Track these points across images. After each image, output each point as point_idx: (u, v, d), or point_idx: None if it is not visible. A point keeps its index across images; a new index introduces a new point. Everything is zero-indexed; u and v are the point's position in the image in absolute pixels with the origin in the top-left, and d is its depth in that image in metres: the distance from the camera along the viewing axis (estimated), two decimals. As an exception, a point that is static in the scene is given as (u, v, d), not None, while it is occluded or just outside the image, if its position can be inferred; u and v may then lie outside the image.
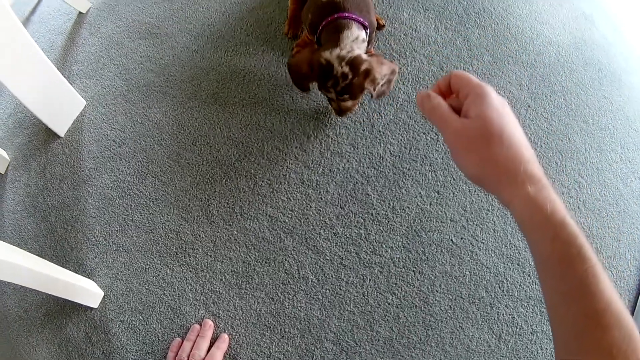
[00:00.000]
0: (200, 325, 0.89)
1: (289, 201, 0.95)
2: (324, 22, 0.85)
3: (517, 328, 0.87)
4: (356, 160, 0.98)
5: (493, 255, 0.91)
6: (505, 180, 0.39)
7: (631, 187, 0.99)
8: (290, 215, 0.94)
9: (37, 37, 1.26)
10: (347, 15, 0.83)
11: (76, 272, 0.92)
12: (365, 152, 0.98)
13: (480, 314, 0.87)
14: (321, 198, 0.95)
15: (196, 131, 1.02)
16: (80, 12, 1.20)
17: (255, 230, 0.94)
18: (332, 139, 0.99)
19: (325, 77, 0.81)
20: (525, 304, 0.88)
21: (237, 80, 1.05)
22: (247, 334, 0.89)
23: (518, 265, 0.90)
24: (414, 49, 1.05)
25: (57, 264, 0.85)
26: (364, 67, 0.80)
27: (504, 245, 0.91)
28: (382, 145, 0.99)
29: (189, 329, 0.89)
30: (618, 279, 0.92)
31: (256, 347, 0.88)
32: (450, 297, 0.88)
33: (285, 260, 0.92)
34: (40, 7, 1.30)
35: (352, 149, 0.98)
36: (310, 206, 0.95)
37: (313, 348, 0.87)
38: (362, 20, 0.84)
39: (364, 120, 1.00)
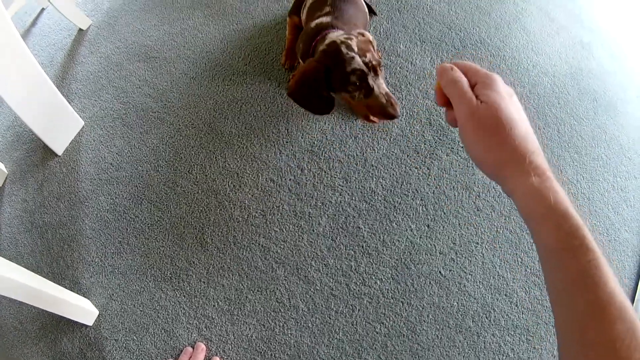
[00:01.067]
0: (193, 348, 0.92)
1: (282, 232, 0.98)
2: (313, 43, 0.85)
3: (503, 356, 0.90)
4: (348, 193, 1.00)
5: (481, 286, 0.94)
6: (510, 169, 0.39)
7: (622, 215, 1.02)
8: (282, 246, 0.97)
9: (37, 51, 1.27)
10: (335, 29, 0.85)
11: (71, 290, 0.95)
12: (357, 186, 1.01)
13: (467, 342, 0.90)
14: (313, 230, 0.98)
15: (192, 159, 1.04)
16: (80, 29, 1.21)
17: (248, 259, 0.97)
18: (325, 172, 1.02)
19: (340, 66, 0.78)
20: (512, 333, 0.91)
21: (234, 110, 1.06)
22: (238, 359, 0.92)
23: (506, 295, 0.93)
24: (409, 83, 1.07)
25: (52, 281, 0.87)
26: (365, 38, 0.80)
27: (492, 277, 0.95)
28: (375, 179, 1.01)
29: (181, 351, 0.92)
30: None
31: (246, 372, 0.91)
32: (438, 326, 0.91)
33: (277, 289, 0.95)
34: (41, 19, 1.30)
35: (344, 182, 1.01)
36: (302, 238, 0.98)
37: (302, 374, 0.90)
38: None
39: (357, 154, 1.03)
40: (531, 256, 0.97)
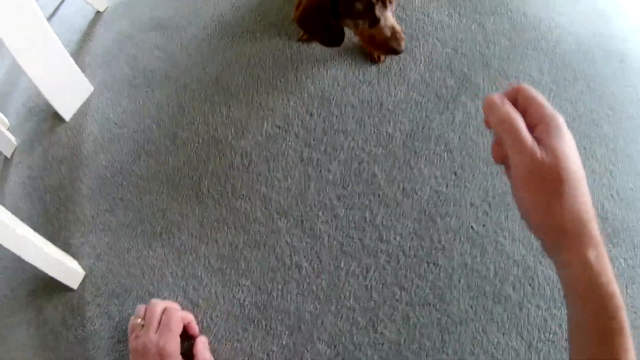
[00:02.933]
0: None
1: (286, 180, 0.89)
2: None
3: (550, 334, 0.73)
4: (362, 138, 0.91)
5: (521, 246, 0.79)
6: (570, 238, 0.35)
7: None
8: (285, 195, 0.87)
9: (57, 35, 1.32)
10: None
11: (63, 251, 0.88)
12: (372, 131, 0.92)
13: (507, 315, 0.74)
14: (321, 177, 0.88)
15: (195, 111, 1.00)
16: (97, 11, 1.27)
17: (247, 210, 0.87)
18: (336, 116, 0.94)
19: None
20: (560, 305, 0.74)
21: (241, 63, 1.04)
22: (227, 328, 0.79)
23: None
24: (427, 33, 1.03)
25: (45, 241, 0.83)
26: None
27: (532, 236, 0.78)
28: (392, 123, 0.93)
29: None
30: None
31: (236, 343, 0.77)
32: (471, 294, 0.76)
33: (277, 244, 0.83)
34: (61, 8, 1.38)
35: (358, 127, 0.93)
36: (309, 186, 0.88)
37: (302, 349, 0.75)
38: None
39: (372, 99, 0.96)
40: None
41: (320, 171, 0.88)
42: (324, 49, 1.02)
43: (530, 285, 0.76)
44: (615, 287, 0.35)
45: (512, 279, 0.77)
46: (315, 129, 0.93)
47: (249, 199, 0.87)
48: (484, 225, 0.81)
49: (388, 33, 0.78)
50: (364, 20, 0.78)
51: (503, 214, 0.82)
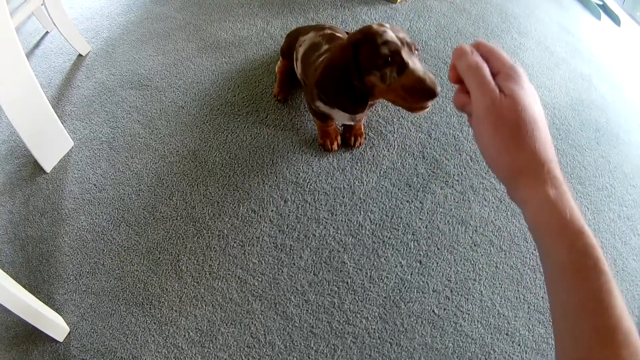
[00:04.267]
0: None
1: (260, 264, 0.98)
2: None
3: None
4: (334, 227, 0.99)
5: (479, 325, 0.89)
6: (526, 175, 0.36)
7: (630, 244, 1.00)
8: (260, 279, 0.96)
9: (37, 72, 1.32)
10: None
11: (45, 304, 0.93)
12: (343, 219, 1.00)
13: None
14: (294, 263, 0.97)
15: (174, 186, 1.06)
16: (80, 55, 1.25)
17: (223, 290, 0.96)
18: (309, 204, 1.02)
19: (370, 39, 0.71)
20: None
21: (219, 139, 1.09)
22: None
23: (507, 335, 0.89)
24: (402, 116, 1.09)
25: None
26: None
27: (491, 316, 0.91)
28: (362, 212, 1.00)
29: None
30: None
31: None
32: None
33: (252, 323, 0.92)
34: (44, 42, 1.35)
35: (330, 215, 1.01)
36: (282, 271, 0.96)
37: (276, 423, 0.86)
38: None
39: (344, 187, 1.03)
40: (534, 292, 0.93)
41: (293, 258, 0.97)
42: (301, 130, 1.06)
43: (486, 359, 0.87)
44: (583, 225, 0.34)
45: (469, 354, 0.87)
46: (289, 215, 1.01)
47: (226, 279, 0.97)
48: (445, 309, 0.91)
49: (420, 74, 0.70)
50: (392, 67, 0.72)
51: (464, 298, 0.92)
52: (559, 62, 1.26)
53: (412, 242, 0.97)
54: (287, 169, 1.06)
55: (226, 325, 0.93)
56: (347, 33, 0.99)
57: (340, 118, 0.96)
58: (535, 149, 0.36)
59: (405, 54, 0.71)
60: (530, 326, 0.90)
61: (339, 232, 0.99)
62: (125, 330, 0.95)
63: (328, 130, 1.04)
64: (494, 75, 0.38)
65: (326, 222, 1.00)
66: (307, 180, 1.05)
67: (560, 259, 0.34)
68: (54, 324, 0.92)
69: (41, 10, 1.21)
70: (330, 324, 0.90)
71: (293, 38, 1.06)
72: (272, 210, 1.02)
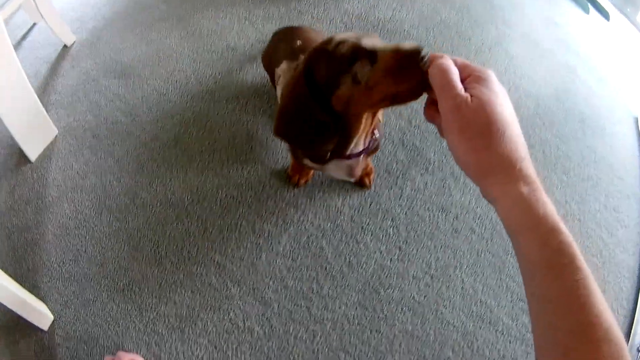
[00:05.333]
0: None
1: (239, 250, 0.98)
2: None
3: None
4: (312, 212, 0.99)
5: (461, 313, 0.89)
6: (497, 175, 0.36)
7: (616, 236, 0.99)
8: (238, 264, 0.96)
9: (24, 63, 1.30)
10: None
11: (30, 293, 0.94)
12: (322, 205, 1.00)
13: None
14: (272, 249, 0.97)
15: (154, 172, 1.06)
16: (65, 45, 1.26)
17: (202, 276, 0.97)
18: (288, 190, 1.02)
19: (322, 51, 0.58)
20: None
21: (199, 125, 1.09)
22: None
23: (489, 323, 0.88)
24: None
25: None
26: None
27: (473, 304, 0.90)
28: (341, 198, 1.00)
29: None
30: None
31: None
32: (411, 357, 0.85)
33: (231, 309, 0.92)
34: (31, 34, 1.36)
35: (308, 200, 1.01)
36: (261, 256, 0.96)
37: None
38: None
39: (322, 172, 1.02)
40: (517, 281, 0.92)
41: (271, 243, 0.97)
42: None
43: (469, 347, 0.86)
44: (557, 222, 0.34)
45: (451, 342, 0.86)
46: (267, 200, 1.01)
47: (205, 265, 0.97)
48: (425, 296, 0.90)
49: (394, 46, 0.50)
50: (360, 62, 0.55)
51: (444, 285, 0.91)
52: (544, 53, 1.24)
53: (392, 228, 0.97)
54: (265, 155, 1.06)
55: (205, 310, 0.93)
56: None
57: (336, 174, 0.85)
58: (506, 149, 0.36)
59: (366, 40, 0.56)
60: (514, 315, 0.89)
61: (317, 217, 0.99)
62: (107, 317, 0.96)
63: (302, 166, 0.94)
64: (463, 80, 0.38)
65: (304, 207, 1.00)
66: (285, 167, 1.04)
67: (532, 256, 0.34)
68: (40, 313, 0.93)
69: (29, 1, 1.22)
70: (309, 310, 0.90)
71: (268, 61, 0.99)
72: (250, 196, 1.02)
